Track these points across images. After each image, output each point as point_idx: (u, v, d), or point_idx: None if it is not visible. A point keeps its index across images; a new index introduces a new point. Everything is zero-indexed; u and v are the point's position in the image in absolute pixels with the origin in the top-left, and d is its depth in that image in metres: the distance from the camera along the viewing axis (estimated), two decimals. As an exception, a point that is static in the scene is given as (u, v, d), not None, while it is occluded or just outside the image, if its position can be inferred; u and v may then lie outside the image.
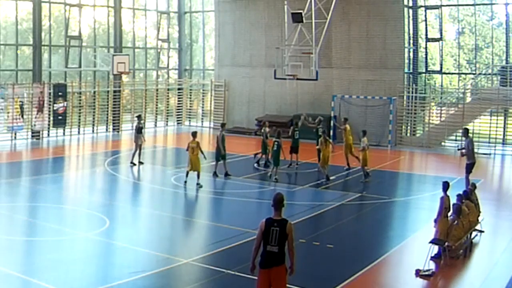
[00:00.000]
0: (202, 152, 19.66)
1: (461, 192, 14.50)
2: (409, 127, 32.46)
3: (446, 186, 13.31)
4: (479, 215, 14.62)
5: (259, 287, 8.88)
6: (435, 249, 12.80)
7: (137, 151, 23.23)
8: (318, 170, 21.91)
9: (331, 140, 22.20)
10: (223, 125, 22.77)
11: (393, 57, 30.88)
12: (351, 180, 21.55)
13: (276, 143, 21.14)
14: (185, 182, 19.53)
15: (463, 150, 19.36)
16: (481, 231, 14.75)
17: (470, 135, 20.78)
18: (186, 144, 20.24)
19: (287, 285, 9.01)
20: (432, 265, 12.31)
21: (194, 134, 20.02)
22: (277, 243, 8.66)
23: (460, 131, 29.98)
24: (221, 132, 21.77)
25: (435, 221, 13.20)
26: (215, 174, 21.07)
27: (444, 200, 13.10)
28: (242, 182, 20.49)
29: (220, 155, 21.34)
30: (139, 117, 24.78)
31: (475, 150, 28.38)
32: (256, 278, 8.99)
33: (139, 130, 23.58)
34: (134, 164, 23.02)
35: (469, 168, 19.16)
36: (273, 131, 22.41)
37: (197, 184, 19.31)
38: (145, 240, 14.19)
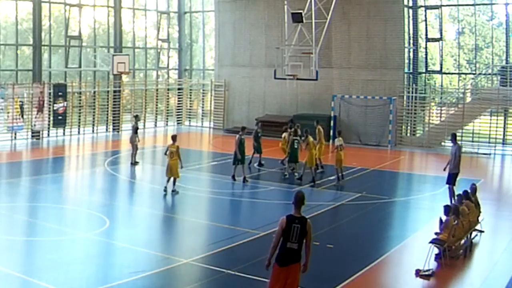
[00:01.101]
0: (180, 158, 18.36)
1: (460, 193, 14.51)
2: (409, 127, 32.47)
3: (448, 210, 13.13)
4: (479, 215, 14.62)
5: (274, 284, 8.89)
6: (436, 249, 12.79)
7: (135, 151, 23.19)
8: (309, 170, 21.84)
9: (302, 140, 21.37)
10: (243, 128, 21.63)
11: (393, 57, 30.88)
12: (351, 180, 21.53)
13: (296, 141, 21.34)
14: (165, 188, 18.31)
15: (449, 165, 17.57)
16: (481, 231, 14.75)
17: (459, 142, 18.77)
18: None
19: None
20: (432, 265, 12.31)
21: (174, 137, 18.76)
22: (298, 240, 8.72)
23: (460, 131, 30.22)
24: (240, 135, 20.88)
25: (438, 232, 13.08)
26: (233, 178, 20.56)
27: (449, 221, 12.90)
28: (242, 182, 20.45)
29: (236, 159, 20.62)
30: (136, 116, 24.77)
31: (475, 150, 28.71)
32: (256, 277, 8.98)
33: (136, 130, 23.54)
34: (136, 163, 23.00)
35: (453, 179, 17.42)
36: (293, 131, 22.26)
37: (173, 191, 18.25)
38: (145, 240, 14.19)
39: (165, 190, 18.31)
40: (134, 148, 23.15)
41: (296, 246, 8.74)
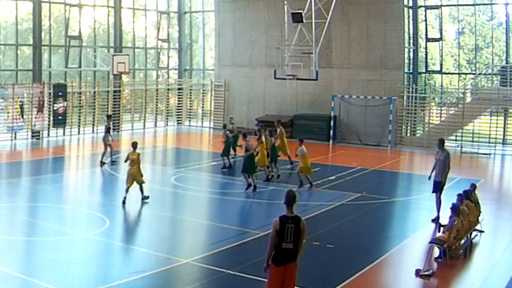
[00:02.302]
0: (139, 167, 17.25)
1: (461, 192, 14.50)
2: (409, 127, 32.46)
3: (454, 208, 13.15)
4: (479, 215, 14.61)
5: (272, 284, 8.91)
6: (436, 250, 12.80)
7: (107, 151, 23.13)
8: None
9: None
10: (244, 134, 20.33)
11: (393, 57, 30.87)
12: (351, 180, 21.54)
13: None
14: (124, 200, 16.85)
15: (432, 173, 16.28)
16: (481, 231, 14.75)
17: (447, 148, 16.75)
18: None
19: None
20: (432, 265, 12.30)
21: (134, 145, 17.66)
22: (292, 239, 8.74)
23: (460, 131, 30.22)
24: (246, 141, 19.69)
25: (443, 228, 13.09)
26: (249, 187, 19.27)
27: (453, 221, 12.92)
28: (242, 182, 20.44)
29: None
30: (109, 116, 24.86)
31: (475, 150, 28.69)
32: (256, 277, 8.98)
33: (108, 130, 23.53)
34: (103, 163, 22.95)
35: (439, 187, 16.15)
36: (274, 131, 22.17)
37: (143, 198, 17.24)
38: (145, 240, 14.19)
39: (124, 202, 16.87)
40: (106, 147, 23.12)
41: (291, 246, 8.76)
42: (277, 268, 8.83)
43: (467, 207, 13.78)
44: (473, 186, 15.13)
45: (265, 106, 34.48)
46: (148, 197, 17.41)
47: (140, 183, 17.29)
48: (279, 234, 8.76)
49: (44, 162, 24.90)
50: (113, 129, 23.98)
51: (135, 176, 17.19)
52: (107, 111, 33.17)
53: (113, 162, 23.17)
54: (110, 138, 23.25)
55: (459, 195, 14.19)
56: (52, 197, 18.05)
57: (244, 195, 18.92)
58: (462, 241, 13.34)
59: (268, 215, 16.48)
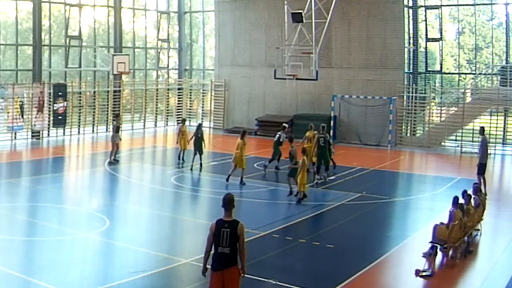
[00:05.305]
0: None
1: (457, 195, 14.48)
2: (409, 127, 32.46)
3: (456, 201, 13.19)
4: (482, 216, 14.62)
5: None
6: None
7: (115, 150, 23.33)
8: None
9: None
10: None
11: (393, 57, 30.88)
12: (351, 180, 21.54)
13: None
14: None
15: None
16: (477, 229, 14.71)
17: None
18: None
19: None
20: (431, 265, 12.30)
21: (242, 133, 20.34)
22: (228, 244, 8.58)
23: (460, 131, 30.24)
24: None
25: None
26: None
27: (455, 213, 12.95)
28: (240, 182, 20.42)
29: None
30: (117, 116, 24.87)
31: (475, 150, 28.66)
32: (256, 277, 8.95)
33: (117, 130, 23.65)
34: (117, 161, 23.09)
35: (482, 169, 19.35)
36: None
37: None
38: (145, 240, 14.18)
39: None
40: (114, 146, 23.24)
41: (228, 251, 8.58)
42: (214, 273, 8.64)
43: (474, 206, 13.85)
44: (475, 186, 15.16)
45: (265, 106, 34.48)
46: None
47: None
48: (215, 238, 8.63)
49: (44, 162, 24.89)
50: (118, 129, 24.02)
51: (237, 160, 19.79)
52: (107, 111, 33.20)
53: (114, 162, 23.15)
54: (118, 138, 23.37)
55: (461, 194, 14.24)
56: (52, 197, 18.03)
57: (244, 195, 18.91)
58: (463, 241, 13.33)
59: (268, 215, 16.49)
